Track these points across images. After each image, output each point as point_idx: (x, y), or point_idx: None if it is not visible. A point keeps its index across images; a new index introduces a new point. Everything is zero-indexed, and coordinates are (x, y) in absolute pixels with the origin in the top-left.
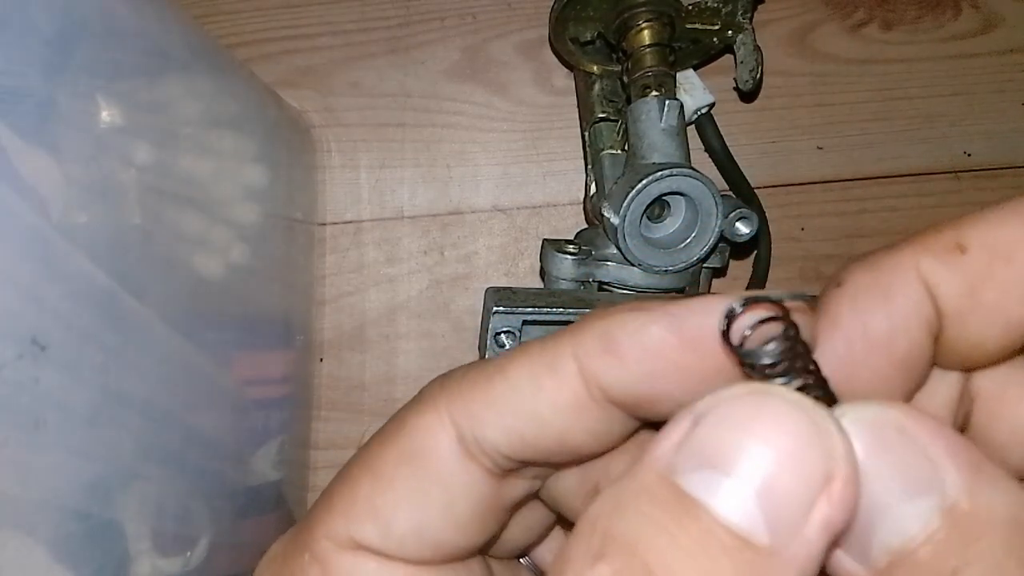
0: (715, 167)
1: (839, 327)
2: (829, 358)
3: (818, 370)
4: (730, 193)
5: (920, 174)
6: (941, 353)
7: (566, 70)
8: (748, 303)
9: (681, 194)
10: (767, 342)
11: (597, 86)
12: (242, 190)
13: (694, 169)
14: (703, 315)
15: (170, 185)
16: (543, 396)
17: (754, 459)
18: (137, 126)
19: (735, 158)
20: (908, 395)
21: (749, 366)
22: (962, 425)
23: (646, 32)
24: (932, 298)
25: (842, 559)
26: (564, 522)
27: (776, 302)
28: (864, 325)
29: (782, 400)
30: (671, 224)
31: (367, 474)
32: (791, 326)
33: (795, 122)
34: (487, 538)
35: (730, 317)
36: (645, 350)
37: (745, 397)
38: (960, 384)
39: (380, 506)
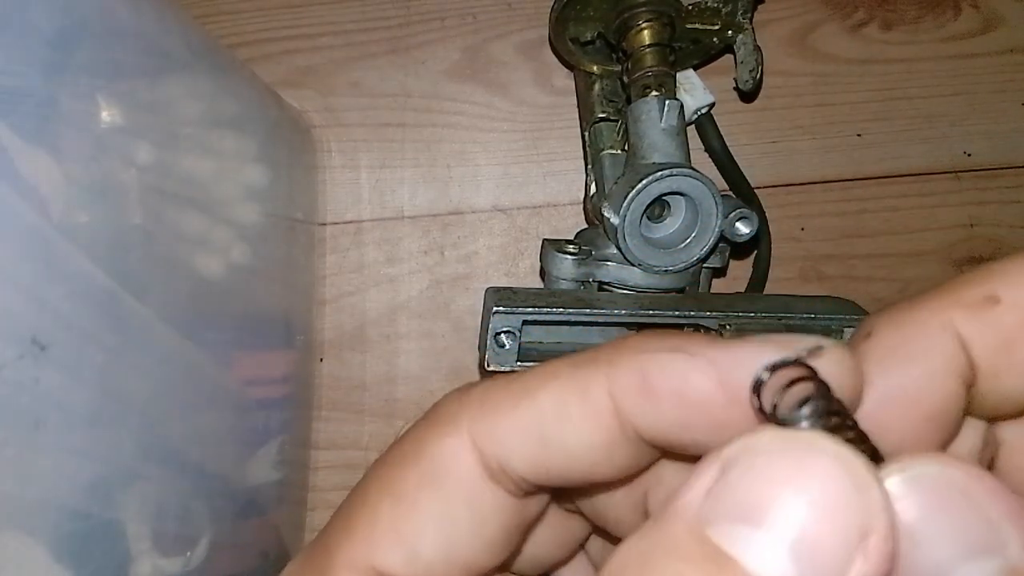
0: (715, 167)
1: (870, 386)
2: (861, 415)
3: (856, 424)
4: (730, 193)
5: (920, 174)
6: (972, 404)
7: (566, 70)
8: (774, 369)
9: (681, 194)
10: (801, 404)
11: (597, 86)
12: (243, 190)
13: (694, 169)
14: (746, 365)
15: (171, 185)
16: (572, 428)
17: (788, 512)
18: (137, 126)
19: (735, 158)
20: (941, 448)
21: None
22: (988, 467)
23: (646, 32)
24: (964, 352)
25: None
26: (600, 532)
27: (803, 363)
28: (897, 380)
29: (817, 450)
30: (671, 224)
31: (387, 497)
32: (821, 385)
33: (795, 122)
34: (511, 554)
35: (758, 386)
36: (684, 399)
37: (780, 446)
38: (986, 432)
39: (404, 531)
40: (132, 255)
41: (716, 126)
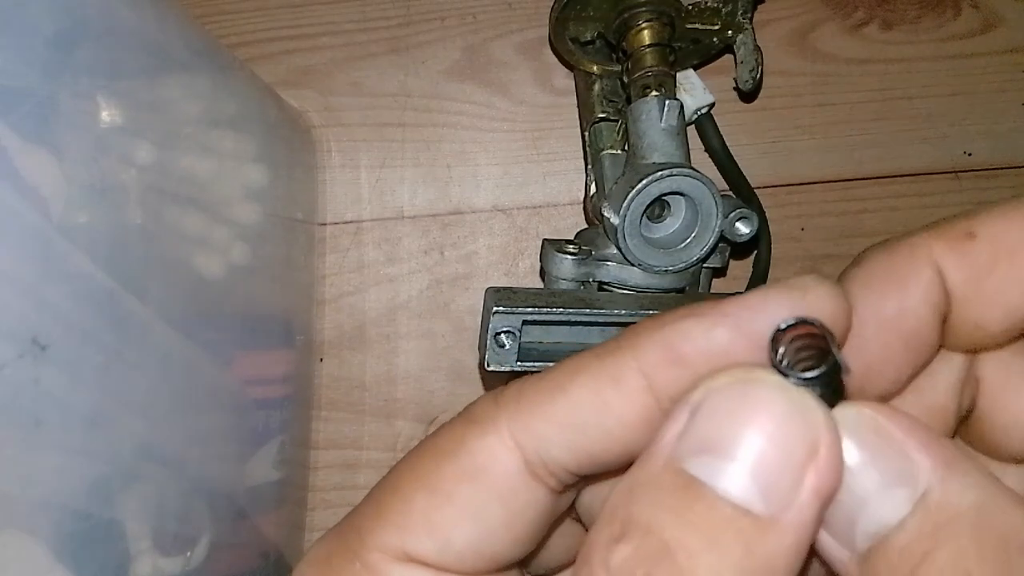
0: (715, 167)
1: (853, 305)
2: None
3: (836, 369)
4: (730, 193)
5: (920, 174)
6: (948, 334)
7: (566, 70)
8: (782, 330)
9: (681, 194)
10: (801, 359)
11: (597, 86)
12: (242, 190)
13: (694, 169)
14: (762, 312)
15: (170, 185)
16: (611, 412)
17: (747, 440)
18: (137, 126)
19: (735, 158)
20: (915, 370)
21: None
22: (968, 408)
23: (646, 32)
24: (941, 281)
25: (828, 542)
26: None
27: (805, 321)
28: (877, 303)
29: (764, 384)
30: (671, 224)
31: (423, 490)
32: (818, 338)
33: (795, 122)
34: (538, 546)
35: (776, 338)
36: (712, 356)
37: (733, 385)
38: (964, 368)
39: (438, 522)
40: (132, 255)
41: (716, 126)
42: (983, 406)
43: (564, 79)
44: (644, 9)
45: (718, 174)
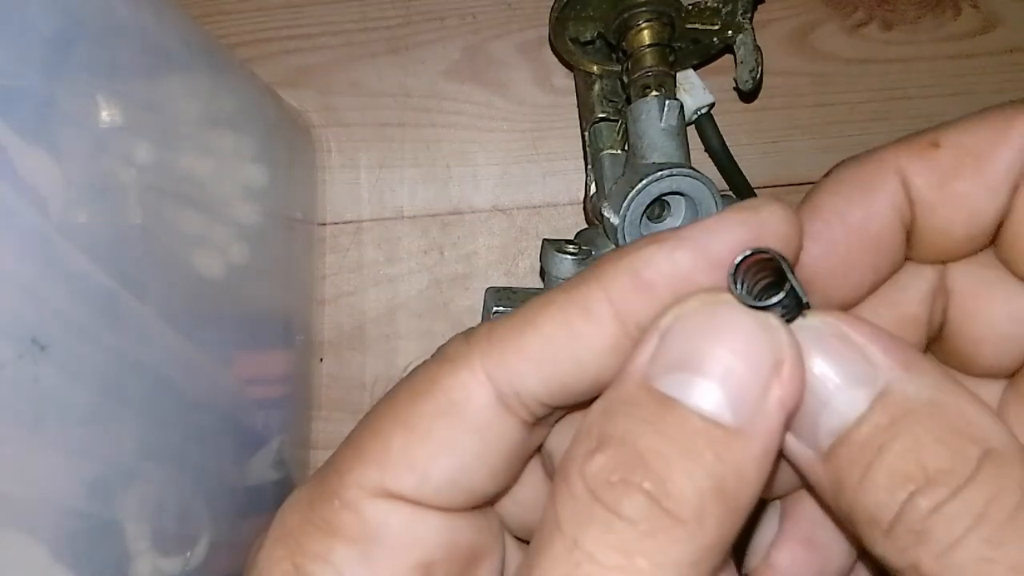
0: (715, 167)
1: (819, 211)
2: (809, 241)
3: (793, 292)
4: (730, 193)
5: None
6: (914, 244)
7: (566, 70)
8: (740, 262)
9: (681, 194)
10: (759, 286)
11: (597, 86)
12: (242, 190)
13: (694, 169)
14: (722, 235)
15: (170, 184)
16: (581, 342)
17: (714, 357)
18: (137, 125)
19: (735, 158)
20: (881, 277)
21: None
22: (940, 319)
23: (646, 32)
24: (906, 188)
25: (795, 444)
26: None
27: (760, 252)
28: (842, 210)
29: (731, 306)
30: (671, 224)
31: (400, 427)
32: (776, 266)
33: (795, 122)
34: (513, 482)
35: (735, 270)
36: (676, 279)
37: (701, 308)
38: (935, 280)
39: (416, 457)
40: (132, 255)
41: (716, 126)
42: (953, 318)
43: (564, 79)
44: (644, 9)
45: (718, 174)
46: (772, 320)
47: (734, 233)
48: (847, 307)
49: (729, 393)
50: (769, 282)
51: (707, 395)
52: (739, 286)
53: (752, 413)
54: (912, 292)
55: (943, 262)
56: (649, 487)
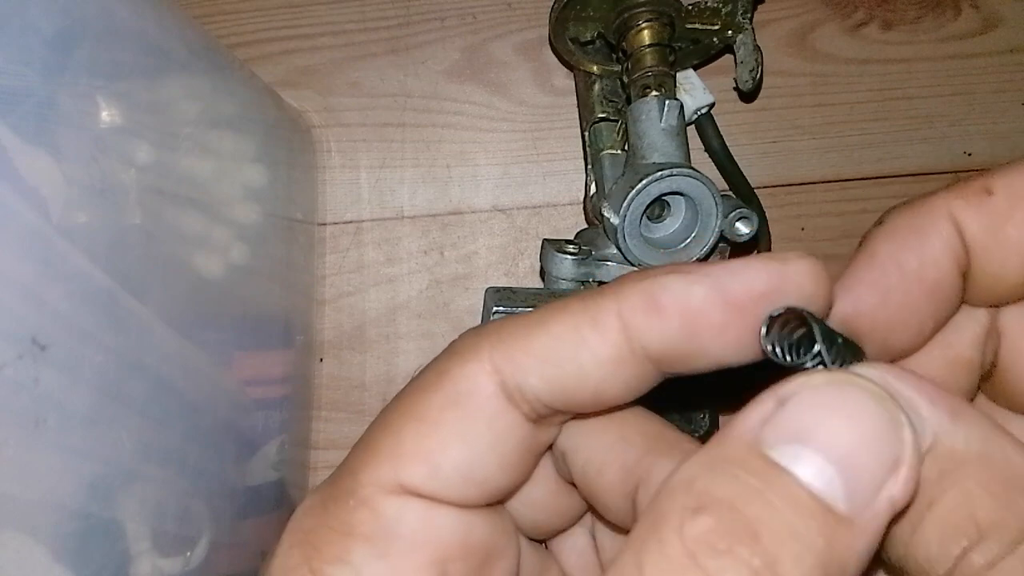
0: (715, 167)
1: (876, 259)
2: (865, 289)
3: (840, 343)
4: (730, 193)
5: (920, 174)
6: (968, 288)
7: (566, 70)
8: (772, 319)
9: (681, 194)
10: (795, 345)
11: (597, 86)
12: (242, 190)
13: (694, 169)
14: (742, 277)
15: (170, 185)
16: (586, 349)
17: (837, 437)
18: (137, 126)
19: (735, 158)
20: (938, 323)
21: (782, 359)
22: (991, 362)
23: (646, 32)
24: (960, 235)
25: None
26: (595, 512)
27: (792, 310)
28: (899, 256)
29: (862, 388)
30: (671, 224)
31: (411, 420)
32: (808, 323)
33: (795, 122)
34: (523, 480)
35: (768, 324)
36: (688, 310)
37: (830, 385)
38: (987, 322)
39: (428, 448)
40: (132, 255)
41: (716, 126)
42: (1005, 358)
43: (564, 79)
44: (644, 9)
45: (718, 174)
46: (902, 416)
47: (756, 279)
48: (909, 353)
49: (846, 479)
50: (803, 333)
51: (822, 474)
52: (770, 339)
53: (864, 505)
54: (966, 334)
55: (997, 305)
56: (759, 565)
